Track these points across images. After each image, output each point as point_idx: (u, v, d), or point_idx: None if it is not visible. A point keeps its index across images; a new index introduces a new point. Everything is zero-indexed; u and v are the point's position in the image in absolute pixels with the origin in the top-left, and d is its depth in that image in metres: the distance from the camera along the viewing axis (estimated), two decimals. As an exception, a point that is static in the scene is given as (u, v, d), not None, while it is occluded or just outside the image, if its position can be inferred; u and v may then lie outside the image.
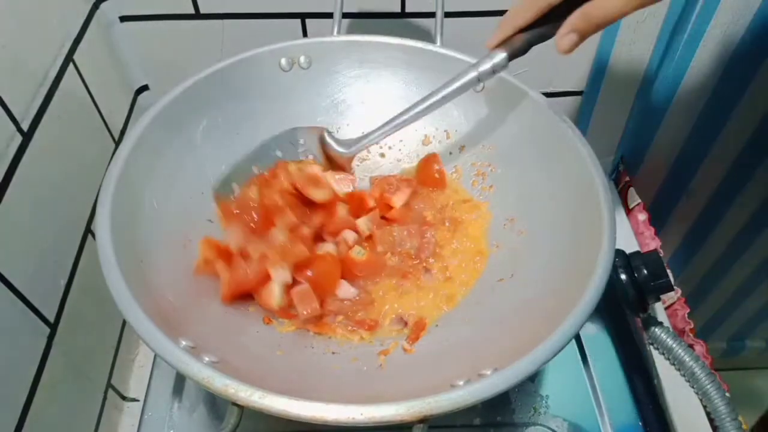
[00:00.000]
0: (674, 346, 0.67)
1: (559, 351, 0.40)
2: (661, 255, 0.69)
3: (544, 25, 0.49)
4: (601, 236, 0.47)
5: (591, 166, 0.53)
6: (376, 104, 0.68)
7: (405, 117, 0.57)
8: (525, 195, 0.60)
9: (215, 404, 0.59)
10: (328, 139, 0.63)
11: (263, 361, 0.47)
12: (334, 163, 0.63)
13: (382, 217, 0.62)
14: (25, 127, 0.51)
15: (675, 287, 0.72)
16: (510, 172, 0.63)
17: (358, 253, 0.58)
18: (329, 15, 0.66)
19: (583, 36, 0.46)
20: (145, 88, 0.78)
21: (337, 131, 0.68)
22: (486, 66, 0.52)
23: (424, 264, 0.59)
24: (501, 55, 0.51)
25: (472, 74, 0.53)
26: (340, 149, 0.62)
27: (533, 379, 0.62)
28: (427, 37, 0.71)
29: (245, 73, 0.62)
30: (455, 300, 0.57)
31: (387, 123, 0.58)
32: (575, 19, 0.46)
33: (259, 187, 0.58)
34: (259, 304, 0.53)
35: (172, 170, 0.55)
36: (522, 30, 0.50)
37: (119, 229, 0.45)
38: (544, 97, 0.60)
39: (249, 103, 0.63)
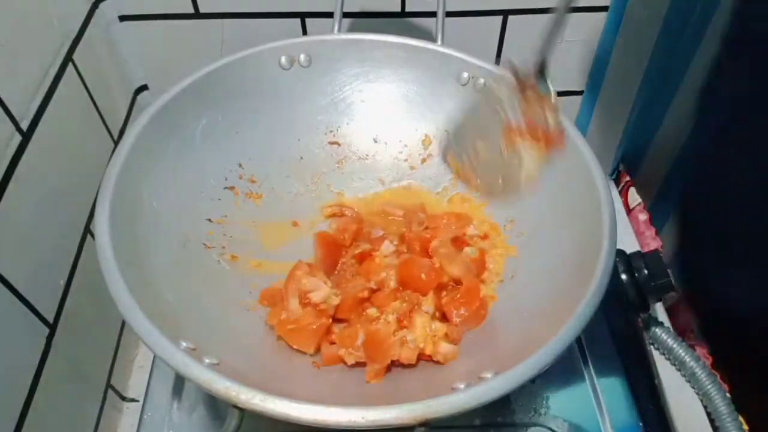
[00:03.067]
0: (675, 346, 0.67)
1: (561, 354, 0.40)
2: (662, 255, 0.69)
3: None
4: (602, 237, 0.47)
5: (591, 166, 0.53)
6: (376, 103, 0.68)
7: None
8: (525, 196, 0.60)
9: (215, 405, 0.59)
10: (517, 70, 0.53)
11: (264, 363, 0.47)
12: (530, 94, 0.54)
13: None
14: (24, 126, 0.51)
15: (676, 287, 0.72)
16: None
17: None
18: (329, 15, 0.66)
19: None
20: (144, 87, 0.78)
21: (338, 130, 0.68)
22: None
23: None
24: None
25: None
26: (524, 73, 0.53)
27: (534, 380, 0.62)
28: (426, 36, 0.70)
29: (245, 72, 0.62)
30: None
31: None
32: None
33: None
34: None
35: (172, 169, 0.55)
36: None
37: (118, 229, 0.45)
38: (544, 98, 0.59)
39: (248, 102, 0.63)
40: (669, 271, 0.66)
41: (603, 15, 0.74)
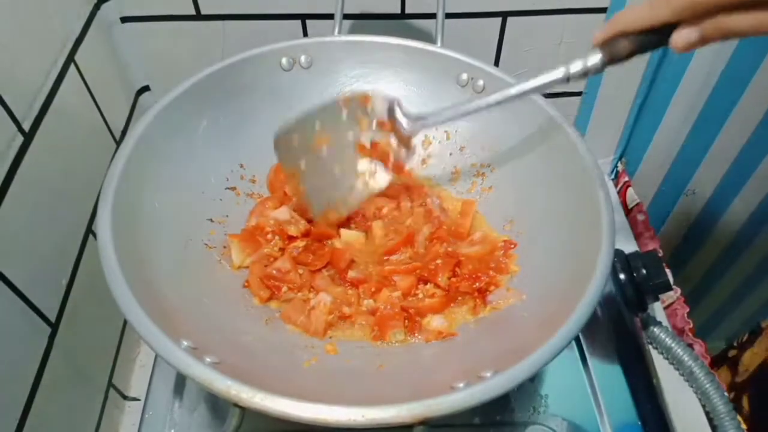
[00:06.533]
0: (673, 345, 0.67)
1: (559, 353, 0.40)
2: (660, 255, 0.69)
3: (662, 31, 0.41)
4: (600, 237, 0.47)
5: (590, 166, 0.53)
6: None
7: (476, 105, 0.52)
8: (524, 196, 0.60)
9: (216, 403, 0.59)
10: (397, 111, 0.56)
11: (265, 362, 0.48)
12: (398, 134, 0.57)
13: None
14: (26, 127, 0.51)
15: (674, 287, 0.72)
16: (509, 172, 0.63)
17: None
18: (329, 16, 0.66)
19: (704, 36, 0.39)
20: (146, 88, 0.78)
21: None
22: (577, 67, 0.46)
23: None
24: (596, 57, 0.44)
25: (560, 74, 0.47)
26: (405, 124, 0.56)
27: (533, 378, 0.62)
28: (426, 37, 0.71)
29: (246, 73, 0.62)
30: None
31: (455, 107, 0.53)
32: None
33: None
34: None
35: (173, 170, 0.56)
36: (633, 33, 0.43)
37: (120, 229, 0.45)
38: (543, 98, 0.60)
39: (249, 103, 0.63)
40: (667, 270, 0.66)
41: (602, 16, 0.74)
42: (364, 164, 0.58)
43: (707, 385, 0.64)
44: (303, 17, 0.73)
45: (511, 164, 0.63)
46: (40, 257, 0.52)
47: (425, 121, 0.55)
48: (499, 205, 0.63)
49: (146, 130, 0.53)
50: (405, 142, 0.57)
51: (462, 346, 0.51)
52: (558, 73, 0.47)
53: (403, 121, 0.56)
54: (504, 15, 0.74)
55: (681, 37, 0.40)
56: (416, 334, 0.54)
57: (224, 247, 0.58)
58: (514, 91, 0.49)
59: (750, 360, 0.87)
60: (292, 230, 0.60)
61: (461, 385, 0.39)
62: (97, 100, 0.64)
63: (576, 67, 0.46)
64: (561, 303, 0.45)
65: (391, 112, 0.56)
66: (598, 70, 0.45)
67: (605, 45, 0.44)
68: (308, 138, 0.58)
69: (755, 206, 0.96)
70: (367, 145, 0.57)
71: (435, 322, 0.54)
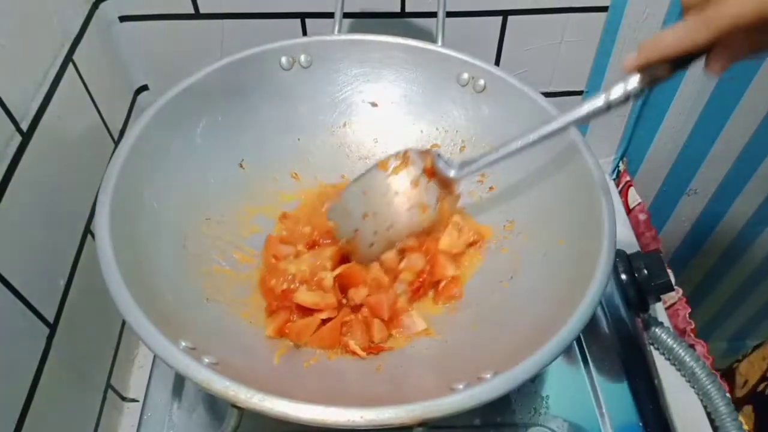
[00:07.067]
0: (675, 346, 0.67)
1: (560, 354, 0.39)
2: (662, 255, 0.69)
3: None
4: (602, 237, 0.47)
5: (591, 166, 0.52)
6: (377, 103, 0.68)
7: (517, 146, 0.52)
8: (525, 196, 0.60)
9: (215, 405, 0.59)
10: (438, 163, 0.58)
11: (263, 363, 0.47)
12: (441, 181, 0.59)
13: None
14: (24, 127, 0.50)
15: (675, 287, 0.72)
16: (510, 173, 0.62)
17: None
18: (329, 15, 0.66)
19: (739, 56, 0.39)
20: (144, 88, 0.78)
21: (338, 130, 0.68)
22: (617, 94, 0.45)
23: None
24: (635, 81, 0.44)
25: (600, 103, 0.46)
26: (450, 172, 0.58)
27: (533, 379, 0.62)
28: (426, 36, 0.70)
29: (245, 72, 0.62)
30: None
31: (499, 149, 0.54)
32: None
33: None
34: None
35: (172, 170, 0.55)
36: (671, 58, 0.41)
37: (119, 229, 0.45)
38: (543, 97, 0.59)
39: (249, 102, 0.63)
40: (669, 271, 0.66)
41: (603, 15, 0.73)
42: (412, 212, 0.59)
43: (709, 386, 0.64)
44: (302, 16, 0.72)
45: (512, 164, 0.62)
46: (38, 257, 0.52)
47: (470, 168, 0.57)
48: (500, 205, 0.62)
49: (145, 129, 0.52)
50: (448, 188, 0.59)
51: (461, 346, 0.51)
52: (599, 102, 0.46)
53: (447, 170, 0.57)
54: (505, 14, 0.74)
55: (717, 62, 0.39)
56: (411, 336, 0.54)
57: (222, 246, 0.58)
58: (554, 126, 0.50)
59: (747, 370, 0.87)
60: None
61: (461, 386, 0.39)
62: (95, 99, 0.64)
63: (616, 93, 0.45)
64: (562, 303, 0.45)
65: (432, 161, 0.58)
66: (639, 95, 0.44)
67: (642, 70, 0.43)
68: (358, 206, 0.59)
69: (757, 206, 0.96)
70: (418, 197, 0.58)
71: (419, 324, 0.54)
